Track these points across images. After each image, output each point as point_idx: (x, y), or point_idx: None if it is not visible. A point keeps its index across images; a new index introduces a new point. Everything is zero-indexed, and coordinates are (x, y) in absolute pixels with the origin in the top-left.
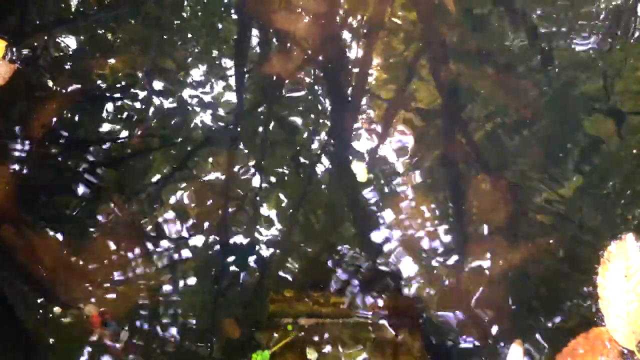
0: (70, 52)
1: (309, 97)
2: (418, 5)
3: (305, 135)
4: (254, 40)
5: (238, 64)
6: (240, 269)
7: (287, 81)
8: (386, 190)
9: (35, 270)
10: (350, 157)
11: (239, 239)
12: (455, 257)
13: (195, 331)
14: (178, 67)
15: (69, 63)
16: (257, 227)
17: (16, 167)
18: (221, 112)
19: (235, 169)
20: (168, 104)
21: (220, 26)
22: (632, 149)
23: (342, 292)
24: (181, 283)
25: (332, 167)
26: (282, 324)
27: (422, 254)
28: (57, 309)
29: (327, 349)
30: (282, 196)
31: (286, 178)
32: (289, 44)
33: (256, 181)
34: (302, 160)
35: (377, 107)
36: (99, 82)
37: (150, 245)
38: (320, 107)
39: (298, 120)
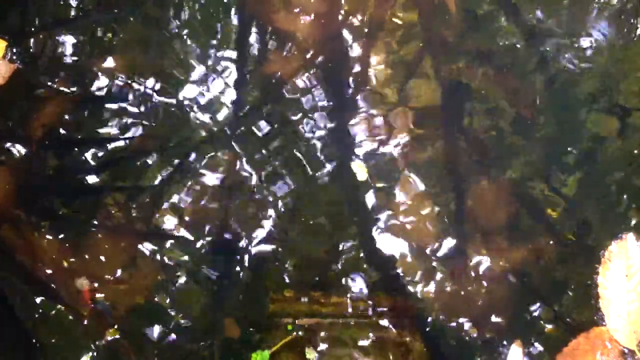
0: (70, 52)
1: (309, 97)
2: (418, 5)
3: (306, 135)
4: (254, 40)
5: (238, 64)
6: (240, 269)
7: (287, 81)
8: (386, 189)
9: (35, 270)
10: (351, 157)
11: (239, 239)
12: (455, 257)
13: (195, 331)
14: (178, 67)
15: (69, 63)
16: (257, 227)
17: (16, 167)
18: (221, 112)
19: (235, 169)
20: (168, 104)
21: (220, 26)
22: (632, 148)
23: (342, 292)
24: (181, 283)
25: (332, 167)
26: (282, 323)
27: (423, 253)
28: (57, 309)
29: (327, 349)
30: (282, 196)
31: (286, 178)
32: (289, 44)
33: (256, 181)
34: (302, 160)
35: (377, 107)
36: (99, 82)
37: (149, 245)
38: (320, 107)
39: (298, 120)
